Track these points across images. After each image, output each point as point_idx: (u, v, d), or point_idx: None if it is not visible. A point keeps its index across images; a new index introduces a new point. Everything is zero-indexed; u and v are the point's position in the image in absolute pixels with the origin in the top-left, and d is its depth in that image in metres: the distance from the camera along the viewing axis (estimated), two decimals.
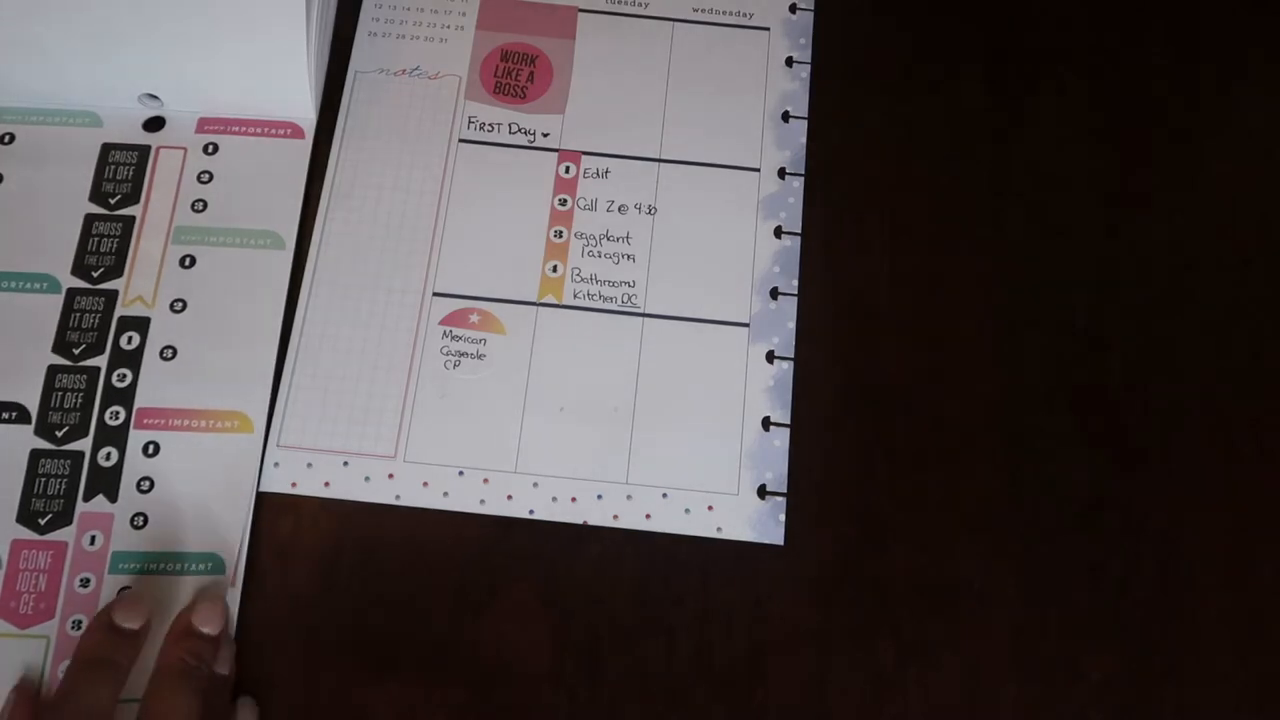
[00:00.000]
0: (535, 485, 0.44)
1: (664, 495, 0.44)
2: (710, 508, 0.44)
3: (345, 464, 0.44)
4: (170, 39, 0.45)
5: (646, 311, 0.46)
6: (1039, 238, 0.48)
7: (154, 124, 0.48)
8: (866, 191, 0.49)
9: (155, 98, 0.47)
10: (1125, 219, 0.49)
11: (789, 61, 0.50)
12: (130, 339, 0.44)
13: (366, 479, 0.44)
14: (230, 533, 0.42)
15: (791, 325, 0.46)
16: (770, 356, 0.46)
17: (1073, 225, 0.48)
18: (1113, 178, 0.49)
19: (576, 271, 0.47)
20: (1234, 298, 0.48)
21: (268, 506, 0.43)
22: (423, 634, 0.42)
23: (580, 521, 0.44)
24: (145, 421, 0.43)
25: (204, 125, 0.48)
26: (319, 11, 0.47)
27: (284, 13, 0.45)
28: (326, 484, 0.43)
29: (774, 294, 0.47)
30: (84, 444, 0.43)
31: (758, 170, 0.49)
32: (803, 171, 0.49)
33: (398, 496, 0.44)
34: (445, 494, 0.44)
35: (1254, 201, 0.49)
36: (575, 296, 0.47)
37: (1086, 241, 0.48)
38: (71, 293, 0.45)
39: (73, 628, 0.40)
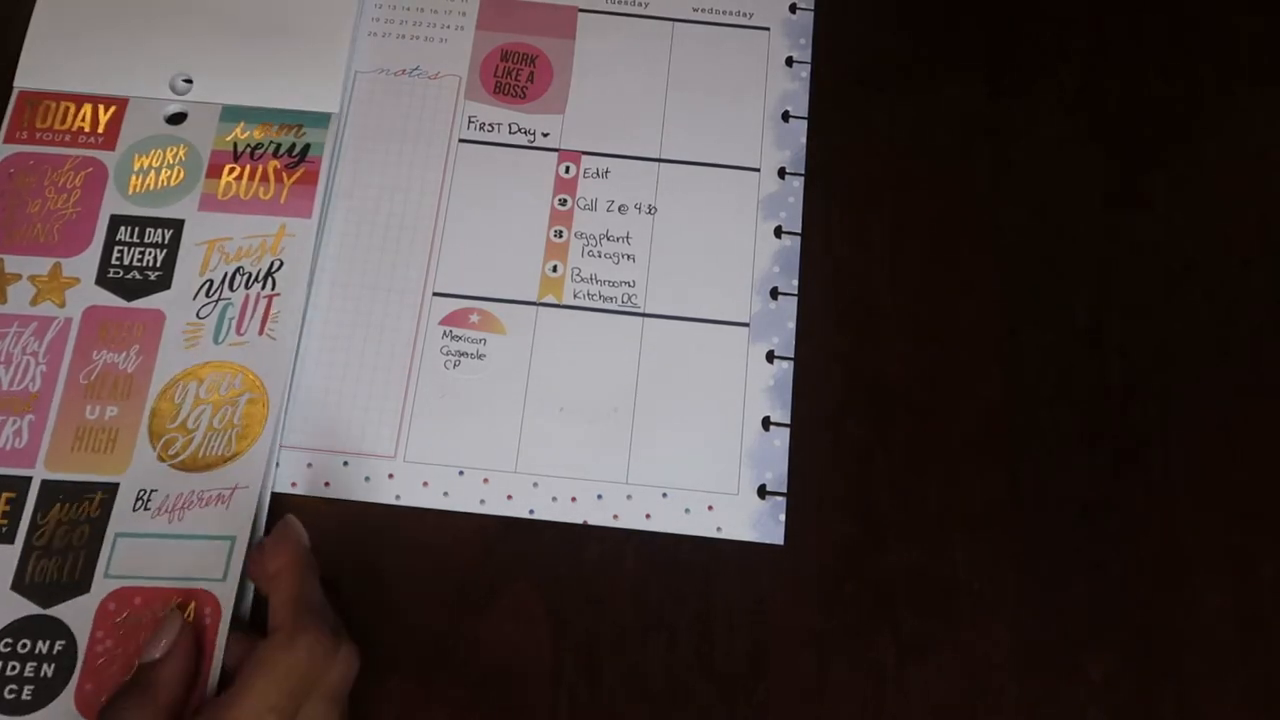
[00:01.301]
0: (535, 485, 0.44)
1: (664, 495, 0.44)
2: (710, 507, 0.44)
3: (345, 464, 0.44)
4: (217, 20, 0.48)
5: (646, 311, 0.46)
6: (1039, 238, 0.48)
7: (176, 119, 0.47)
8: (866, 191, 0.49)
9: (189, 81, 0.47)
10: (1125, 219, 0.49)
11: (789, 61, 0.50)
12: None
13: (366, 479, 0.44)
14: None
15: (791, 325, 0.46)
16: (770, 356, 0.46)
17: (1073, 225, 0.48)
18: (1113, 178, 0.49)
19: (576, 271, 0.47)
20: (1234, 298, 0.48)
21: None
22: (423, 634, 0.42)
23: (580, 521, 0.44)
24: None
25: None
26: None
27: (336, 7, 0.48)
28: (326, 484, 0.43)
29: (774, 294, 0.47)
30: None
31: (758, 170, 0.49)
32: (803, 171, 0.49)
33: (398, 496, 0.44)
34: (445, 494, 0.44)
35: (1254, 201, 0.49)
36: (575, 296, 0.47)
37: (1086, 241, 0.48)
38: None
39: None
